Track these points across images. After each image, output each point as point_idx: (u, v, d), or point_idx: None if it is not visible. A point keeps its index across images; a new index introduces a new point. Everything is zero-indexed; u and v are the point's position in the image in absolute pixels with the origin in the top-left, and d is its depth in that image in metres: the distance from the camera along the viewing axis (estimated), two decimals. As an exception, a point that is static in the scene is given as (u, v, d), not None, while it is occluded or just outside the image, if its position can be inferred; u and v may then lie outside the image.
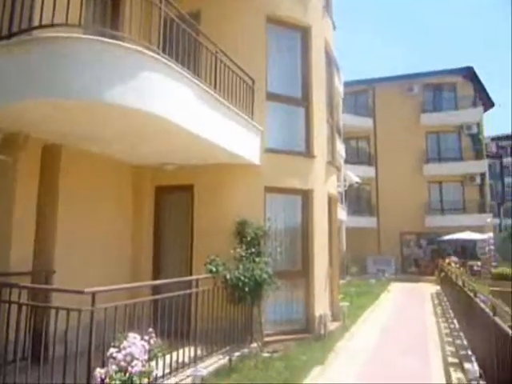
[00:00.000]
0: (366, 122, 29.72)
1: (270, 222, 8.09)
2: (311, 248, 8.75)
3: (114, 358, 4.09)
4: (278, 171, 8.34)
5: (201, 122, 6.09)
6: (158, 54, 5.15)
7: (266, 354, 7.14)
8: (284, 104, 8.88)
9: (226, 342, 6.77)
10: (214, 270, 6.74)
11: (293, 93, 9.12)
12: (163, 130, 5.68)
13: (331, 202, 10.11)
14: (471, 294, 6.46)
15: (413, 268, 27.27)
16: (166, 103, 5.21)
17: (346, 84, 26.30)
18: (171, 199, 8.61)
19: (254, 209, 7.99)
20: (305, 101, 9.15)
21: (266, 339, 7.57)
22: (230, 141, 7.02)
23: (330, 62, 10.98)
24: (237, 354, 6.70)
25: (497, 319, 4.29)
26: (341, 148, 22.56)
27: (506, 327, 3.84)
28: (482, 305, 5.34)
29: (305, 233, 8.80)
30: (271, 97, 8.61)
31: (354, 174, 21.25)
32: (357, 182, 20.89)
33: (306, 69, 9.29)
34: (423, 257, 27.41)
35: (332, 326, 9.05)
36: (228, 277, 6.75)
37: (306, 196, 8.87)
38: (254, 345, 7.28)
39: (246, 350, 6.99)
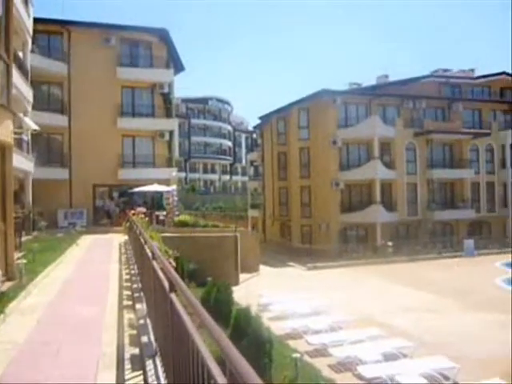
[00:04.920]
0: (60, 66, 27.68)
1: None
2: (-20, 203, 7.79)
3: None
4: None
5: None
6: None
7: None
8: None
9: None
10: None
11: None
12: None
13: (5, 150, 9.15)
14: (142, 241, 7.11)
15: (105, 220, 27.76)
16: None
17: (38, 21, 23.77)
18: None
19: None
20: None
21: None
22: None
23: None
24: None
25: (154, 262, 4.88)
26: (28, 92, 20.49)
27: (159, 270, 4.42)
28: (148, 250, 5.96)
29: (-28, 186, 7.74)
30: None
31: (31, 121, 19.60)
32: (34, 130, 19.40)
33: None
34: (115, 208, 28.22)
35: (5, 286, 8.41)
36: None
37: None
38: None
39: None
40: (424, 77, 40.32)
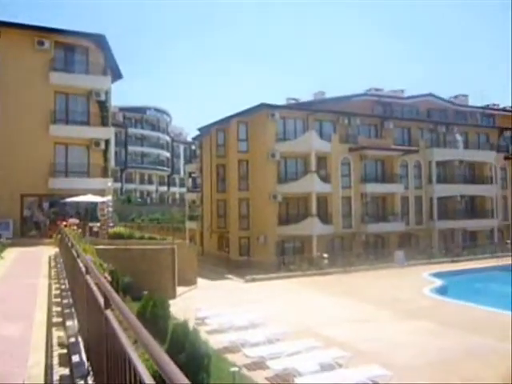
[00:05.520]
0: (-13, 69, 26.09)
1: None
2: None
3: None
4: None
5: None
6: None
7: None
8: None
9: None
10: None
11: None
12: None
13: None
14: (75, 254, 6.77)
15: (34, 231, 26.26)
16: None
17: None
18: None
19: None
20: None
21: None
22: None
23: None
24: None
25: (88, 277, 4.64)
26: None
27: (93, 285, 4.20)
28: (81, 264, 5.67)
29: None
30: None
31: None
32: None
33: None
34: (45, 219, 26.79)
35: None
36: None
37: None
38: None
39: None
40: (358, 95, 42.15)
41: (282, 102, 41.67)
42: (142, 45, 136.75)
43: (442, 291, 24.87)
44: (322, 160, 37.06)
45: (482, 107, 50.04)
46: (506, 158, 46.78)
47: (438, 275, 29.40)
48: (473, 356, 13.80)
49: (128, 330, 2.92)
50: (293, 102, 42.49)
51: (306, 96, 45.40)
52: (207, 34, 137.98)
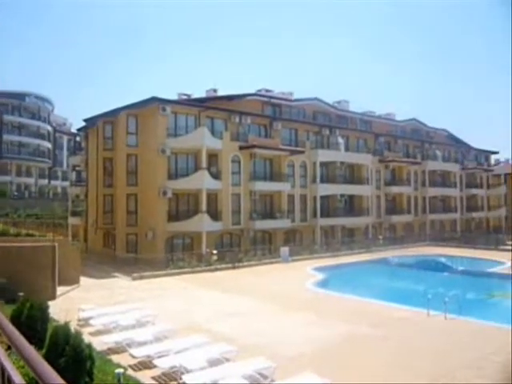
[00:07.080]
0: None
1: None
2: None
3: None
4: None
5: None
6: None
7: None
8: None
9: None
10: None
11: None
12: None
13: None
14: None
15: None
16: None
17: None
18: None
19: None
20: None
21: None
22: None
23: None
24: None
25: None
26: None
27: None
28: None
29: None
30: None
31: None
32: None
33: None
34: None
35: None
36: None
37: None
38: None
39: None
40: (249, 94, 43.12)
41: (174, 97, 41.05)
42: (21, 24, 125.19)
43: (323, 284, 26.53)
44: (212, 157, 37.28)
45: (360, 113, 54.23)
46: (380, 161, 51.53)
47: (319, 269, 31.31)
48: (350, 342, 14.99)
49: (0, 335, 2.71)
50: (185, 97, 42.10)
51: (198, 93, 45.33)
52: (96, 16, 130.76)
